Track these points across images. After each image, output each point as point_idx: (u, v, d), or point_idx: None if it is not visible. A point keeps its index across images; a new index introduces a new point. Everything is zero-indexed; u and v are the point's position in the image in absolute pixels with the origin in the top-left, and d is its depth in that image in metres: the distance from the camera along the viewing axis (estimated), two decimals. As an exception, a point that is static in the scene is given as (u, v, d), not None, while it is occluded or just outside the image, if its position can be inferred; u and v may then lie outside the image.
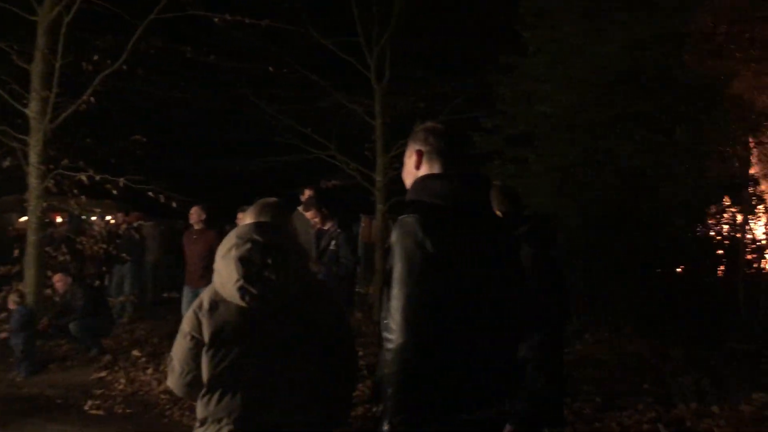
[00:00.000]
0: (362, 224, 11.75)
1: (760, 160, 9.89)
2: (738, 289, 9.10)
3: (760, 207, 10.11)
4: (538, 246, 3.11)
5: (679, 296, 9.09)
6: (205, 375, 2.41)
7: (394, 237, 2.08)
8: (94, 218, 12.06)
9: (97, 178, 8.93)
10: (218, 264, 2.46)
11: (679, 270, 10.24)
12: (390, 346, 1.98)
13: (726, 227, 10.49)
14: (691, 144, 9.06)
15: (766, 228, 10.03)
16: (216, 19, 9.58)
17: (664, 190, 8.92)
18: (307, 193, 7.22)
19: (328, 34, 11.38)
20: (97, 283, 10.48)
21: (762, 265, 10.29)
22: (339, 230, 6.82)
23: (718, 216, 10.14)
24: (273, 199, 2.92)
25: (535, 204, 9.88)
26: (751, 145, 9.60)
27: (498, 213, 3.05)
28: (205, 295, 2.49)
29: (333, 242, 6.77)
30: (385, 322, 2.04)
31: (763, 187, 10.48)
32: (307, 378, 2.46)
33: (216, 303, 2.44)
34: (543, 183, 10.08)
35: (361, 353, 5.74)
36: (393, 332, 1.98)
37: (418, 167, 2.31)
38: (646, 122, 9.42)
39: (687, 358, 7.14)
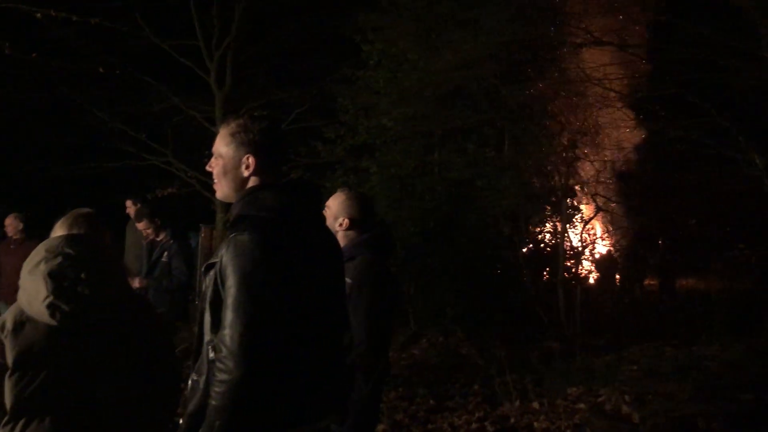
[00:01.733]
0: (202, 234, 11.39)
1: (576, 173, 10.82)
2: (558, 292, 9.85)
3: (577, 216, 11.08)
4: (376, 253, 3.12)
5: (505, 300, 9.69)
6: (8, 401, 2.19)
7: (228, 258, 1.90)
8: None
9: None
10: (24, 280, 2.23)
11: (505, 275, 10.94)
12: (224, 377, 1.83)
13: (548, 235, 11.40)
14: (516, 158, 9.72)
15: (581, 236, 10.99)
16: (38, 15, 8.87)
17: (492, 201, 9.47)
18: (130, 205, 6.86)
19: (166, 36, 10.95)
20: None
21: (578, 270, 11.28)
22: (172, 241, 6.52)
23: (540, 225, 10.94)
24: (86, 210, 2.70)
25: (376, 213, 10.13)
26: (569, 160, 10.47)
27: (347, 220, 3.02)
28: (9, 315, 2.25)
29: (165, 254, 6.46)
30: (217, 352, 1.88)
31: (579, 198, 11.52)
32: (124, 400, 2.31)
33: (21, 323, 2.22)
34: (383, 192, 10.33)
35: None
36: (228, 362, 1.83)
37: (249, 175, 2.10)
38: (476, 137, 9.99)
39: (512, 359, 7.60)
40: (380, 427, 5.23)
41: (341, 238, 2.95)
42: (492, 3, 9.06)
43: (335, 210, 3.01)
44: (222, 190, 2.16)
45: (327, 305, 2.15)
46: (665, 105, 10.96)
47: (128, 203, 6.97)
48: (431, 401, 6.16)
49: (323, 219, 2.38)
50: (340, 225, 2.99)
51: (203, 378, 1.96)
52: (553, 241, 11.08)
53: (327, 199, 3.08)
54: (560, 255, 9.75)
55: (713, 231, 12.78)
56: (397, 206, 10.11)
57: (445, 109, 9.91)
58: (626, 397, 5.27)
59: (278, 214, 2.02)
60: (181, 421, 2.02)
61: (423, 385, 6.77)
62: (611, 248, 14.99)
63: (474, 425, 5.51)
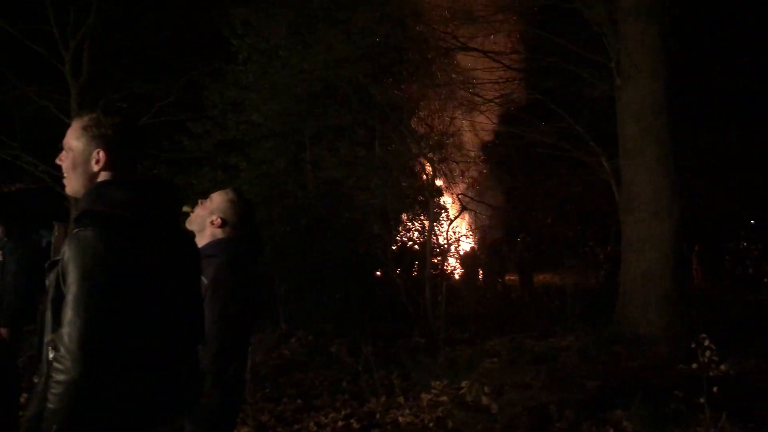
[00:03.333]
0: (55, 232, 10.65)
1: (443, 174, 11.19)
2: (425, 288, 10.11)
3: (443, 215, 11.45)
4: (238, 254, 3.04)
5: (375, 297, 9.83)
6: None
7: (70, 254, 1.83)
8: None
9: None
10: None
11: (378, 273, 11.13)
12: (61, 377, 1.75)
13: (416, 233, 11.71)
14: (386, 158, 9.89)
15: (447, 234, 11.37)
16: None
17: (363, 200, 9.57)
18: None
19: (15, 21, 10.10)
20: None
21: (444, 267, 11.66)
22: (6, 239, 6.00)
23: (409, 224, 11.20)
24: None
25: (254, 221, 9.93)
26: (436, 160, 10.80)
27: (219, 219, 2.93)
28: None
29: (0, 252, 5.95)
30: (55, 351, 1.79)
31: (445, 197, 11.93)
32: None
33: None
34: (253, 190, 10.14)
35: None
36: (66, 363, 1.75)
37: (99, 170, 2.03)
38: (348, 135, 10.06)
39: (380, 355, 7.72)
40: (244, 429, 5.14)
41: (208, 235, 2.91)
42: (363, 3, 9.16)
43: (214, 205, 2.96)
44: (71, 184, 2.09)
45: (177, 305, 2.09)
46: (527, 110, 11.61)
47: None
48: (298, 401, 6.13)
49: (177, 217, 2.32)
50: (212, 222, 2.92)
51: (42, 379, 1.86)
52: (421, 239, 11.38)
53: (184, 196, 2.98)
54: (427, 252, 10.01)
55: (567, 229, 13.67)
56: (268, 204, 9.96)
57: (317, 107, 9.90)
58: (486, 389, 5.51)
59: (126, 210, 1.96)
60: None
61: (291, 385, 6.73)
62: (475, 245, 15.69)
63: (340, 423, 5.54)
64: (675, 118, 8.25)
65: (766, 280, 18.06)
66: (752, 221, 20.77)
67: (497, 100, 11.00)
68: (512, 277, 17.05)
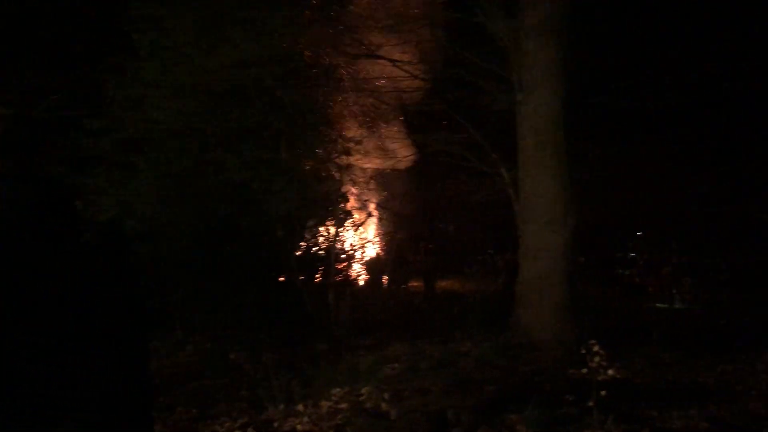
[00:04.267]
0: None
1: (350, 180, 11.23)
2: (328, 294, 10.10)
3: (349, 221, 11.47)
4: (108, 255, 2.88)
5: (278, 303, 9.69)
6: None
7: None
8: None
9: None
10: None
11: (281, 278, 10.98)
12: None
13: (321, 239, 11.66)
14: (292, 162, 9.78)
15: (352, 240, 11.41)
16: None
17: (268, 205, 9.42)
18: None
19: None
20: None
21: (349, 273, 11.69)
22: None
23: (315, 229, 11.13)
24: None
25: (144, 213, 9.56)
26: (343, 166, 10.82)
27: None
28: None
29: None
30: None
31: (351, 203, 11.96)
32: None
33: None
34: (153, 192, 9.78)
35: None
36: None
37: None
38: (254, 138, 9.88)
39: (281, 362, 7.61)
40: (135, 442, 4.91)
41: None
42: (271, 5, 9.05)
43: None
44: None
45: (58, 314, 1.97)
46: (433, 120, 11.83)
47: None
48: (193, 410, 5.95)
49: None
50: None
51: None
52: (326, 245, 11.34)
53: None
54: (332, 258, 10.00)
55: (468, 237, 14.03)
56: (169, 207, 9.63)
57: (222, 107, 9.66)
58: (385, 395, 5.54)
59: (12, 210, 1.82)
60: None
61: (186, 394, 6.53)
62: (380, 252, 15.81)
63: (237, 431, 5.42)
64: (570, 132, 8.62)
65: (650, 288, 19.19)
66: (639, 233, 22.00)
67: (403, 109, 11.14)
68: (416, 283, 17.30)
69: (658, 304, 16.67)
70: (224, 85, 9.47)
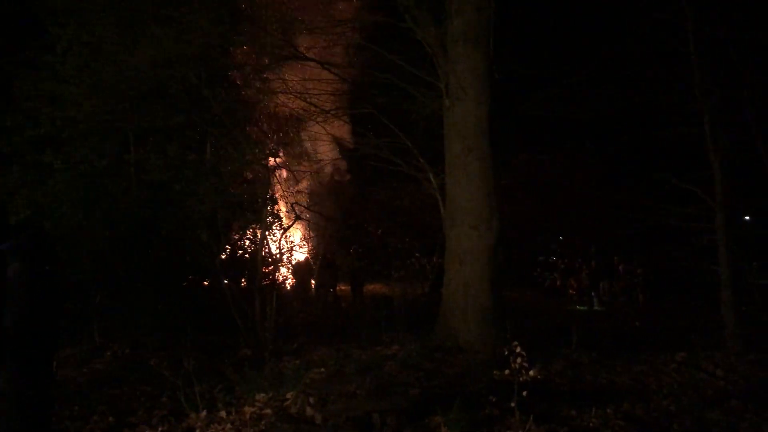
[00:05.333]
0: None
1: (277, 182, 11.08)
2: (254, 299, 9.90)
3: (276, 224, 11.31)
4: (28, 261, 2.77)
5: (202, 308, 9.47)
6: None
7: None
8: None
9: None
10: None
11: (205, 282, 10.73)
12: None
13: (247, 242, 11.45)
14: (217, 163, 9.58)
15: (279, 243, 11.26)
16: None
17: (191, 206, 9.19)
18: None
19: None
20: None
21: (276, 277, 11.53)
22: None
23: (240, 232, 10.93)
24: None
25: (60, 215, 9.17)
26: (270, 168, 10.66)
27: None
28: None
29: None
30: None
31: (279, 206, 11.80)
32: None
33: None
34: (69, 192, 9.38)
35: None
36: None
37: None
38: (178, 139, 9.62)
39: (204, 368, 7.42)
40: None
41: None
42: (197, 3, 8.85)
43: None
44: None
45: None
46: (362, 123, 11.85)
47: None
48: (110, 418, 5.73)
49: None
50: None
51: None
52: (252, 248, 11.16)
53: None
54: (259, 262, 9.82)
55: (396, 241, 14.12)
56: (86, 208, 9.25)
57: (144, 106, 9.37)
58: (311, 399, 5.49)
59: None
60: None
61: (103, 402, 6.29)
62: (308, 255, 15.70)
63: (156, 439, 5.27)
64: (496, 139, 8.80)
65: (571, 291, 19.83)
66: (560, 237, 22.70)
67: (333, 112, 11.10)
68: (344, 287, 17.27)
69: (578, 307, 17.25)
70: (147, 83, 9.19)
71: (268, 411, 5.50)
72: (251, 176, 10.27)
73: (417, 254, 13.17)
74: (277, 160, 10.31)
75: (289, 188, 11.46)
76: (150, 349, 8.37)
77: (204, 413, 5.83)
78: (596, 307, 17.42)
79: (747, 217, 14.49)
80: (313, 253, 16.17)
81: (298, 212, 11.28)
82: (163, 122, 9.30)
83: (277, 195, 11.25)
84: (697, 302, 10.96)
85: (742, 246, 9.09)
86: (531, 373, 5.10)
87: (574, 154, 19.63)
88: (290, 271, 13.83)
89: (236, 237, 11.17)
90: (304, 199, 12.85)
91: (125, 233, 9.32)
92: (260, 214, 10.12)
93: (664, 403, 6.08)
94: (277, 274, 11.66)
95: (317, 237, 15.86)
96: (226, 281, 9.50)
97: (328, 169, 13.47)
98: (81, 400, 6.29)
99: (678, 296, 16.22)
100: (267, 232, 10.73)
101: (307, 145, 12.24)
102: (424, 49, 9.11)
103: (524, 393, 4.89)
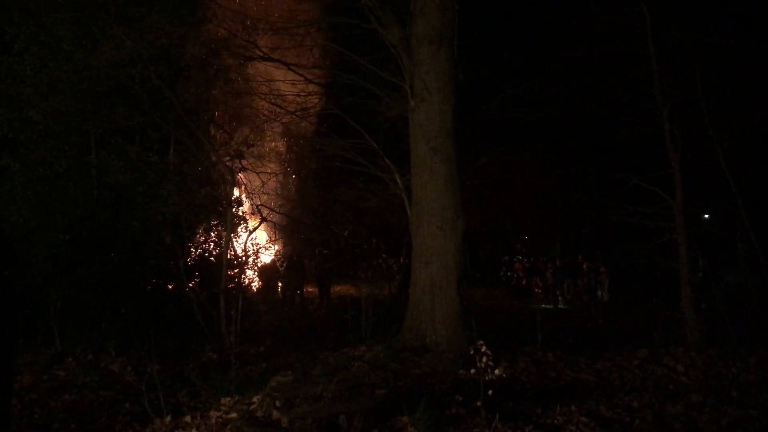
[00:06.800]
0: None
1: (242, 183, 10.99)
2: (219, 302, 9.80)
3: (242, 226, 11.21)
4: None
5: (165, 312, 9.33)
6: None
7: None
8: None
9: None
10: None
11: (169, 286, 10.56)
12: None
13: (212, 245, 11.32)
14: (181, 165, 9.46)
15: (245, 245, 11.15)
16: None
17: (154, 209, 9.06)
18: None
19: None
20: None
21: (242, 280, 11.42)
22: None
23: (204, 234, 10.80)
24: None
25: (18, 218, 8.97)
26: (235, 170, 10.57)
27: None
28: None
29: None
30: None
31: (244, 208, 11.70)
32: None
33: None
34: (27, 195, 9.19)
35: None
36: None
37: None
38: (139, 140, 9.48)
39: (169, 373, 7.32)
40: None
41: None
42: (158, 3, 8.73)
43: None
44: None
45: None
46: (328, 124, 11.81)
47: None
48: (72, 425, 5.63)
49: None
50: None
51: None
52: (217, 251, 11.04)
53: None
54: (224, 264, 9.72)
55: (363, 242, 14.10)
56: (45, 211, 9.06)
57: (105, 107, 9.21)
58: (277, 402, 5.44)
59: None
60: None
61: (64, 409, 6.17)
62: (274, 257, 15.57)
63: (117, 447, 5.19)
64: (461, 140, 8.85)
65: (536, 290, 20.09)
66: (525, 237, 23.01)
67: (298, 113, 11.04)
68: (311, 289, 17.19)
69: (543, 305, 17.47)
70: (108, 84, 9.03)
71: (234, 415, 5.44)
72: (216, 177, 10.17)
73: (384, 255, 13.16)
74: (242, 161, 10.21)
75: (254, 189, 11.35)
76: (113, 355, 8.20)
77: (168, 418, 5.75)
78: (561, 306, 17.67)
79: (706, 216, 14.87)
80: (279, 255, 16.06)
81: (263, 214, 11.19)
82: (123, 123, 9.15)
83: (241, 196, 11.14)
84: (659, 299, 11.18)
85: (701, 244, 9.31)
86: (496, 372, 5.13)
87: (539, 154, 19.89)
88: (256, 273, 13.70)
89: (201, 239, 11.03)
90: (269, 201, 12.76)
91: (86, 236, 9.14)
92: (225, 216, 10.02)
93: (626, 399, 6.17)
94: (243, 276, 11.54)
95: (283, 239, 15.75)
96: (189, 285, 9.38)
97: (295, 170, 13.41)
98: (41, 407, 6.17)
99: (640, 293, 16.54)
100: (232, 234, 10.63)
101: (273, 145, 12.16)
102: (390, 50, 9.12)
103: (490, 392, 4.92)
